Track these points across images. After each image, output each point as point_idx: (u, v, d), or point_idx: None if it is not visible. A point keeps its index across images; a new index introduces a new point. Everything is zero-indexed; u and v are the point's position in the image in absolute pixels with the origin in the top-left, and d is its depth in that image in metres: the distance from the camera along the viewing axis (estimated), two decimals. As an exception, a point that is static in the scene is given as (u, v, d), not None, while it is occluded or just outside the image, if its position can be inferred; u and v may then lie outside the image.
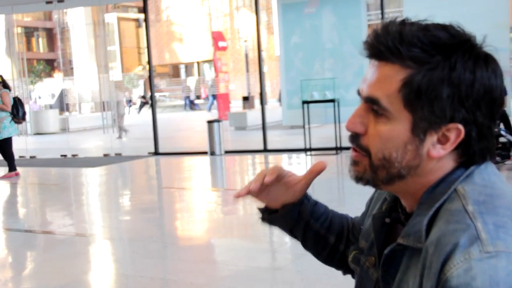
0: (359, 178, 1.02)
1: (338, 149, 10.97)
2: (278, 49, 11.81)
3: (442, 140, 0.95)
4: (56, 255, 5.47)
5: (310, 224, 1.29)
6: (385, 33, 0.95)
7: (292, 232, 1.32)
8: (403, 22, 0.95)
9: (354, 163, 1.03)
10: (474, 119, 0.93)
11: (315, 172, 1.26)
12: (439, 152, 0.95)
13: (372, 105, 0.97)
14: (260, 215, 1.33)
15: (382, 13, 11.57)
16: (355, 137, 1.01)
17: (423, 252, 0.90)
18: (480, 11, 9.98)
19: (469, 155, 0.96)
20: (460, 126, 0.93)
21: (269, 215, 1.30)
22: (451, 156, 0.96)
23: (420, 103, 0.93)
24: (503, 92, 0.96)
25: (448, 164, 0.97)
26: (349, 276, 4.37)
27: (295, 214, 1.28)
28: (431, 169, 0.97)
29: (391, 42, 0.93)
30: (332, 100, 10.74)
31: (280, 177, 1.23)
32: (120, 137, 18.32)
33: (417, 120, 0.94)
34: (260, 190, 1.23)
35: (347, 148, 11.08)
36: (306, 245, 1.35)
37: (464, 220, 0.87)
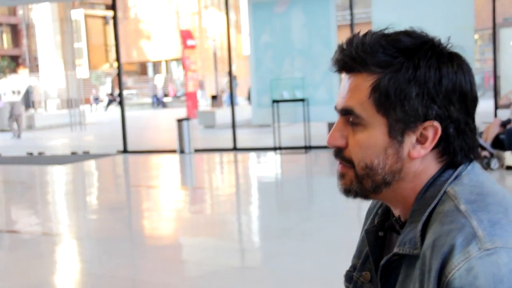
0: (348, 191, 1.02)
1: (307, 148, 11.02)
2: (246, 48, 11.80)
3: (421, 140, 0.96)
4: (22, 255, 5.35)
5: None
6: (349, 45, 0.98)
7: None
8: (366, 33, 0.98)
9: (341, 176, 1.03)
10: (449, 115, 0.94)
11: None
12: (419, 152, 0.96)
13: (348, 116, 0.99)
14: None
15: (351, 14, 11.66)
16: (338, 151, 1.02)
17: (421, 258, 0.90)
18: (446, 13, 10.13)
19: (450, 153, 0.96)
20: (436, 123, 0.94)
21: None
22: (433, 156, 0.97)
23: (391, 105, 0.95)
24: (475, 87, 0.97)
25: (432, 165, 0.98)
26: (321, 275, 4.38)
27: None
28: (415, 172, 0.97)
29: (355, 52, 0.97)
30: (302, 100, 10.78)
31: None
32: (19, 136, 18.74)
33: (392, 123, 0.95)
34: None
35: (316, 147, 11.21)
36: None
37: (458, 220, 0.87)
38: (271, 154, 11.22)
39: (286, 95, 11.00)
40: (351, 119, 0.98)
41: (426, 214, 0.93)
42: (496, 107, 10.64)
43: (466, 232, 0.85)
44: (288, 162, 10.34)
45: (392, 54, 0.94)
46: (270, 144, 11.47)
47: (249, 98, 22.80)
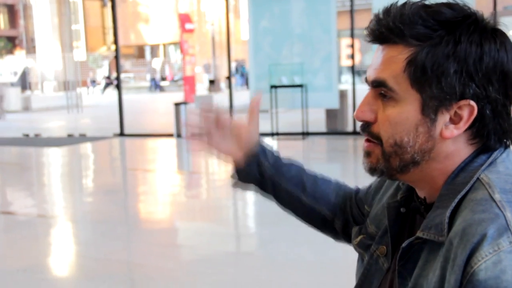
0: (373, 169, 0.98)
1: (304, 134, 10.99)
2: (245, 33, 11.74)
3: (455, 120, 0.91)
4: (17, 237, 5.33)
5: (279, 184, 1.29)
6: (386, 15, 0.93)
7: (266, 193, 1.31)
8: (404, 3, 0.93)
9: (367, 154, 0.99)
10: (486, 94, 0.89)
11: (254, 109, 1.30)
12: (452, 132, 0.91)
13: (379, 88, 0.94)
14: (232, 182, 1.33)
15: (352, 0, 11.57)
16: (365, 126, 0.97)
17: (447, 245, 0.85)
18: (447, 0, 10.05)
19: (483, 136, 0.92)
20: (472, 103, 0.89)
21: (237, 178, 1.30)
22: (465, 137, 0.92)
23: (427, 80, 0.90)
24: None
25: (464, 147, 0.93)
26: (317, 261, 4.35)
27: (255, 173, 1.27)
28: (446, 152, 0.93)
29: (392, 23, 0.92)
30: (300, 85, 10.73)
31: (218, 118, 1.26)
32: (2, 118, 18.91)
33: (426, 99, 0.90)
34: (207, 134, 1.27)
35: (314, 134, 11.18)
36: (283, 206, 1.34)
37: (491, 209, 0.83)
38: (268, 139, 11.19)
39: (285, 81, 10.95)
40: (382, 91, 0.94)
41: (456, 200, 0.89)
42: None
43: (498, 223, 0.81)
44: (285, 148, 10.30)
45: (432, 27, 0.90)
46: (268, 129, 11.43)
47: (247, 83, 22.72)
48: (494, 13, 0.94)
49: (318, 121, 11.90)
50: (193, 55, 22.88)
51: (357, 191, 1.31)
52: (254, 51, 11.35)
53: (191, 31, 23.27)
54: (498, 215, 0.82)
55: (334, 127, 11.59)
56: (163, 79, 38.64)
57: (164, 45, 46.09)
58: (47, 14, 37.24)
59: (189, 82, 22.14)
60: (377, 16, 0.95)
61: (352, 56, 12.25)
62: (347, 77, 24.78)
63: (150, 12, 44.64)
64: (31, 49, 39.80)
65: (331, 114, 11.65)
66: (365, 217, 1.20)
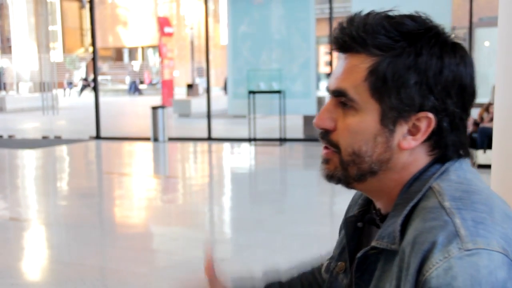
0: (330, 176, 0.98)
1: (282, 140, 11.01)
2: (224, 38, 11.75)
3: (413, 131, 0.92)
4: (-11, 240, 5.24)
5: None
6: (350, 24, 0.94)
7: None
8: (368, 13, 0.94)
9: (325, 161, 0.98)
10: (445, 107, 0.90)
11: (211, 275, 1.24)
12: (410, 144, 0.92)
13: (340, 98, 0.94)
14: None
15: (330, 7, 11.65)
16: (324, 134, 0.97)
17: (400, 254, 0.86)
18: (424, 10, 10.16)
19: (441, 148, 0.93)
20: (430, 115, 0.90)
21: None
22: (423, 149, 0.93)
23: (387, 91, 0.90)
24: (474, 81, 0.94)
25: (422, 158, 0.94)
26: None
27: None
28: (403, 163, 0.93)
29: (355, 32, 0.92)
30: (279, 91, 10.76)
31: None
32: None
33: (385, 110, 0.91)
34: None
35: (291, 140, 11.21)
36: None
37: (441, 217, 0.84)
38: (245, 145, 11.19)
39: (263, 87, 10.98)
40: (342, 100, 0.94)
41: (408, 208, 0.89)
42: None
43: (448, 230, 0.82)
44: (263, 153, 10.32)
45: (394, 38, 0.90)
46: (245, 135, 11.43)
47: (225, 88, 22.72)
48: (454, 28, 0.96)
49: (295, 128, 11.93)
50: (171, 59, 22.81)
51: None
52: (233, 56, 11.35)
53: (170, 34, 23.19)
54: (447, 222, 0.83)
55: (311, 134, 11.63)
56: (141, 82, 38.45)
57: (143, 48, 45.87)
58: (24, 14, 36.82)
59: (167, 86, 22.04)
60: (340, 24, 0.95)
61: (330, 63, 12.31)
62: (324, 84, 24.93)
63: (129, 14, 44.40)
64: (6, 49, 39.27)
65: (308, 121, 11.69)
66: None
